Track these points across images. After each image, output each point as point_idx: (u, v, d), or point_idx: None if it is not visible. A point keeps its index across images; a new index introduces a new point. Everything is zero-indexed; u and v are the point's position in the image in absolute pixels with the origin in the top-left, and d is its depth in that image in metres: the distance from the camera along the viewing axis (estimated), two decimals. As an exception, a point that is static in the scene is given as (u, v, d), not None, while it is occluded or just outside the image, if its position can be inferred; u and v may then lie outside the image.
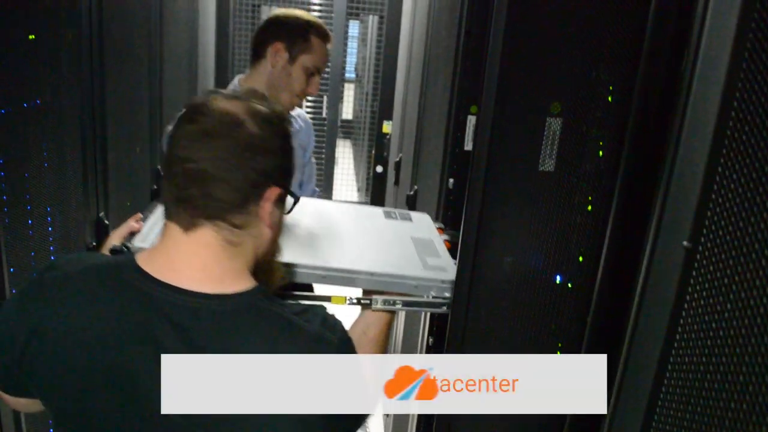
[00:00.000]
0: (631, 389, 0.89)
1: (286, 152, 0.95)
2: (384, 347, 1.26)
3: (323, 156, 4.17)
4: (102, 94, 1.73)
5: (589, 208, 1.10)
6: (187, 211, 0.88)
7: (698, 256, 0.68)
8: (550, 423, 1.26)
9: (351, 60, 5.93)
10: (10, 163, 1.40)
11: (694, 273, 0.68)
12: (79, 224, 1.67)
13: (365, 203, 4.33)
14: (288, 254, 1.30)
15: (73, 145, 1.62)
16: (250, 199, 0.90)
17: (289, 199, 1.02)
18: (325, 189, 4.19)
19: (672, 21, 0.95)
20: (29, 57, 1.45)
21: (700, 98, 0.79)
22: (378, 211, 1.69)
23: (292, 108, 1.96)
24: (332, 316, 0.98)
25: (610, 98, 1.05)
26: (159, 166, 2.34)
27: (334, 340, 0.92)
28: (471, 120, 1.71)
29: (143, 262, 0.91)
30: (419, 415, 1.78)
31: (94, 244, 1.71)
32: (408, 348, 2.27)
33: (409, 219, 1.65)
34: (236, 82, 1.94)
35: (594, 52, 1.06)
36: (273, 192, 0.91)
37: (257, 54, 1.88)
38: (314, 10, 4.05)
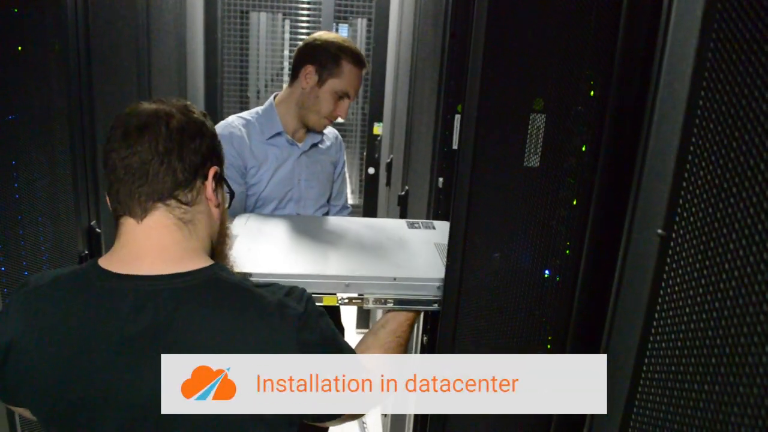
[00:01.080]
0: (611, 378, 0.90)
1: (214, 138, 1.04)
2: (404, 343, 1.28)
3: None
4: (90, 102, 1.74)
5: (574, 201, 1.12)
6: (139, 199, 0.95)
7: (672, 243, 0.69)
8: (542, 421, 1.27)
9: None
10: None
11: (668, 260, 0.70)
12: (70, 233, 1.67)
13: (358, 205, 4.34)
14: (310, 267, 1.33)
15: (63, 155, 1.63)
16: (196, 176, 0.98)
17: (228, 195, 1.12)
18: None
19: (645, 12, 0.96)
20: (17, 68, 1.46)
21: (668, 90, 0.80)
22: (401, 222, 1.75)
23: (320, 128, 2.01)
24: (300, 290, 1.00)
25: (591, 93, 1.06)
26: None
27: (299, 308, 0.95)
28: (458, 119, 1.72)
29: (104, 262, 0.97)
30: (416, 415, 1.79)
31: (86, 252, 1.72)
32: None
33: (432, 227, 1.70)
34: (272, 100, 2.01)
35: (574, 47, 1.07)
36: (213, 170, 1.00)
37: (293, 75, 1.96)
38: (302, 15, 4.06)
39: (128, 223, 0.96)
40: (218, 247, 1.08)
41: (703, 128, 0.65)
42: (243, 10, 3.84)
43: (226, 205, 1.12)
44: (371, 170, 3.51)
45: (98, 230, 1.77)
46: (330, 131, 2.14)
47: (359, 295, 1.28)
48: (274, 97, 2.02)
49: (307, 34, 4.06)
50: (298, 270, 1.30)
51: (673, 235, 0.69)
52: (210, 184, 1.00)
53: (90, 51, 1.72)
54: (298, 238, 1.56)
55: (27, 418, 1.14)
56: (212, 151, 1.02)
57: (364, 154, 3.71)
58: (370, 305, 1.29)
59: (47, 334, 0.92)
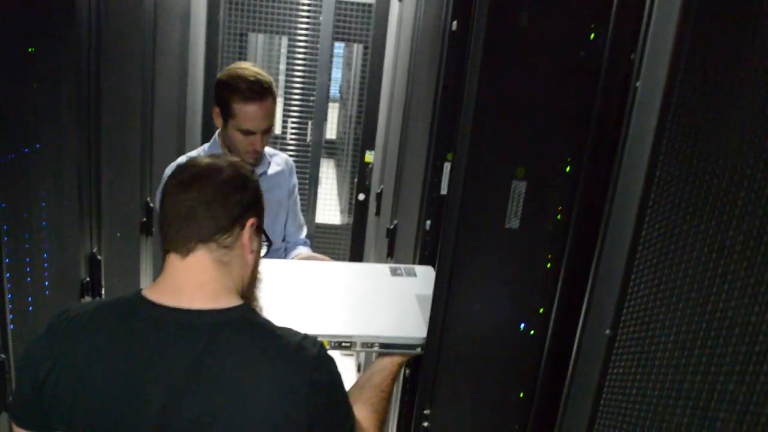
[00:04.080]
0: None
1: (258, 194, 1.16)
2: (387, 395, 1.36)
3: (308, 176, 4.27)
4: (97, 136, 1.82)
5: (549, 265, 1.22)
6: (185, 239, 1.07)
7: (616, 344, 0.80)
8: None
9: (336, 77, 6.05)
10: (10, 207, 1.49)
11: (613, 357, 0.80)
12: (74, 261, 1.74)
13: (348, 224, 4.43)
14: (297, 324, 1.41)
15: (71, 185, 1.71)
16: (235, 224, 1.09)
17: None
18: (309, 210, 4.27)
19: (614, 104, 1.07)
20: (31, 104, 1.54)
21: (625, 181, 0.91)
22: (385, 268, 1.83)
23: (250, 161, 2.01)
24: (313, 338, 1.11)
25: (567, 168, 1.17)
26: (148, 200, 2.42)
27: (314, 351, 1.06)
28: (447, 166, 1.82)
29: (148, 293, 1.08)
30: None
31: (87, 279, 1.79)
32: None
33: (414, 275, 1.79)
34: (216, 136, 2.09)
35: (555, 125, 1.18)
36: (251, 221, 1.12)
37: None
38: (300, 36, 4.15)
39: (173, 259, 1.08)
40: (249, 289, 1.18)
41: (651, 225, 0.76)
42: (242, 32, 3.93)
43: (262, 254, 1.23)
44: (361, 196, 3.61)
45: (99, 257, 1.84)
46: (280, 157, 2.20)
47: (347, 340, 1.38)
48: (217, 134, 2.08)
49: (305, 51, 4.16)
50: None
51: (618, 334, 0.80)
52: (247, 232, 1.11)
53: (100, 87, 1.80)
54: (285, 289, 1.64)
55: None
56: (253, 204, 1.13)
57: (355, 180, 3.80)
58: (358, 348, 1.38)
59: (90, 358, 1.02)
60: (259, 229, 1.17)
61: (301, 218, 2.32)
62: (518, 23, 1.10)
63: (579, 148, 1.15)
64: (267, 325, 1.08)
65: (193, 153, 2.09)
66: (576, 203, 1.15)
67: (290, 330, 1.10)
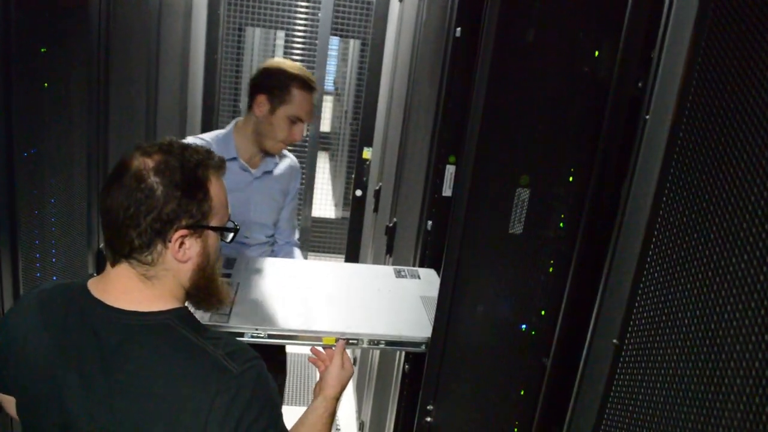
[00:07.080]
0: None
1: (193, 199, 1.07)
2: (331, 422, 1.31)
3: (304, 170, 4.30)
4: (106, 132, 1.85)
5: (551, 270, 1.27)
6: (109, 251, 1.09)
7: (622, 352, 0.85)
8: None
9: (330, 70, 6.06)
10: (22, 203, 1.52)
11: (619, 367, 0.86)
12: (81, 256, 1.78)
13: (345, 217, 4.46)
14: (309, 322, 1.48)
15: (80, 182, 1.74)
16: (155, 241, 1.05)
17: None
18: (306, 204, 4.31)
19: (623, 117, 1.12)
20: (43, 103, 1.57)
21: (637, 192, 0.96)
22: (389, 270, 1.90)
23: (277, 152, 2.13)
24: (243, 347, 1.08)
25: (570, 179, 1.22)
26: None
27: (235, 369, 1.02)
28: (449, 169, 1.87)
29: (90, 284, 1.12)
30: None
31: (95, 274, 1.82)
32: (384, 371, 2.42)
33: (418, 277, 1.87)
34: (232, 125, 2.12)
35: (558, 136, 1.23)
36: (178, 234, 1.06)
37: (249, 103, 2.06)
38: (298, 30, 4.17)
39: (108, 263, 1.11)
40: (201, 290, 1.14)
41: (660, 237, 0.81)
42: (240, 27, 3.95)
43: (228, 239, 1.17)
44: (359, 192, 3.65)
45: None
46: (289, 160, 2.26)
47: (355, 337, 1.43)
48: (236, 123, 2.12)
49: (302, 45, 4.18)
50: (297, 325, 1.46)
51: (625, 343, 0.85)
52: (174, 244, 1.06)
53: (108, 85, 1.83)
54: (297, 288, 1.71)
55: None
56: (183, 213, 1.06)
57: (353, 176, 3.84)
58: (365, 345, 1.43)
59: (29, 334, 1.08)
60: (207, 230, 1.10)
61: (295, 221, 2.38)
62: (525, 39, 1.15)
63: (582, 159, 1.20)
64: (188, 336, 1.05)
65: (205, 136, 2.11)
66: (582, 212, 1.20)
67: (224, 341, 1.06)
